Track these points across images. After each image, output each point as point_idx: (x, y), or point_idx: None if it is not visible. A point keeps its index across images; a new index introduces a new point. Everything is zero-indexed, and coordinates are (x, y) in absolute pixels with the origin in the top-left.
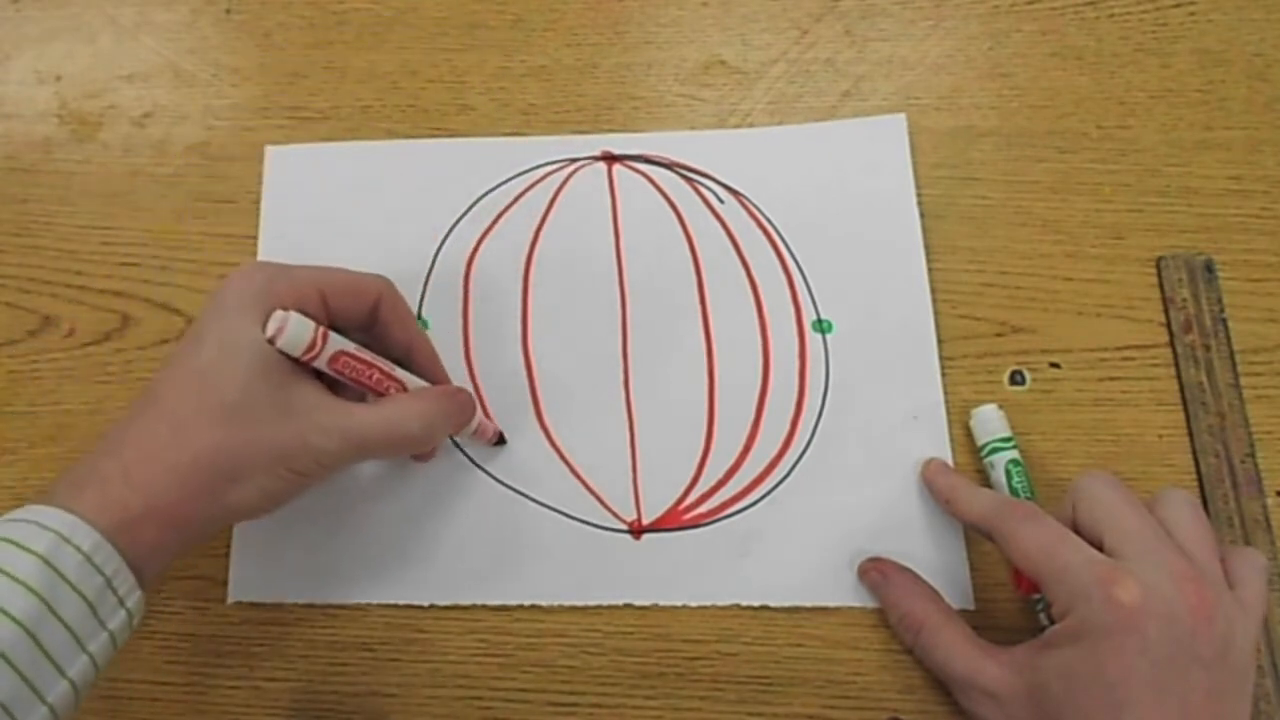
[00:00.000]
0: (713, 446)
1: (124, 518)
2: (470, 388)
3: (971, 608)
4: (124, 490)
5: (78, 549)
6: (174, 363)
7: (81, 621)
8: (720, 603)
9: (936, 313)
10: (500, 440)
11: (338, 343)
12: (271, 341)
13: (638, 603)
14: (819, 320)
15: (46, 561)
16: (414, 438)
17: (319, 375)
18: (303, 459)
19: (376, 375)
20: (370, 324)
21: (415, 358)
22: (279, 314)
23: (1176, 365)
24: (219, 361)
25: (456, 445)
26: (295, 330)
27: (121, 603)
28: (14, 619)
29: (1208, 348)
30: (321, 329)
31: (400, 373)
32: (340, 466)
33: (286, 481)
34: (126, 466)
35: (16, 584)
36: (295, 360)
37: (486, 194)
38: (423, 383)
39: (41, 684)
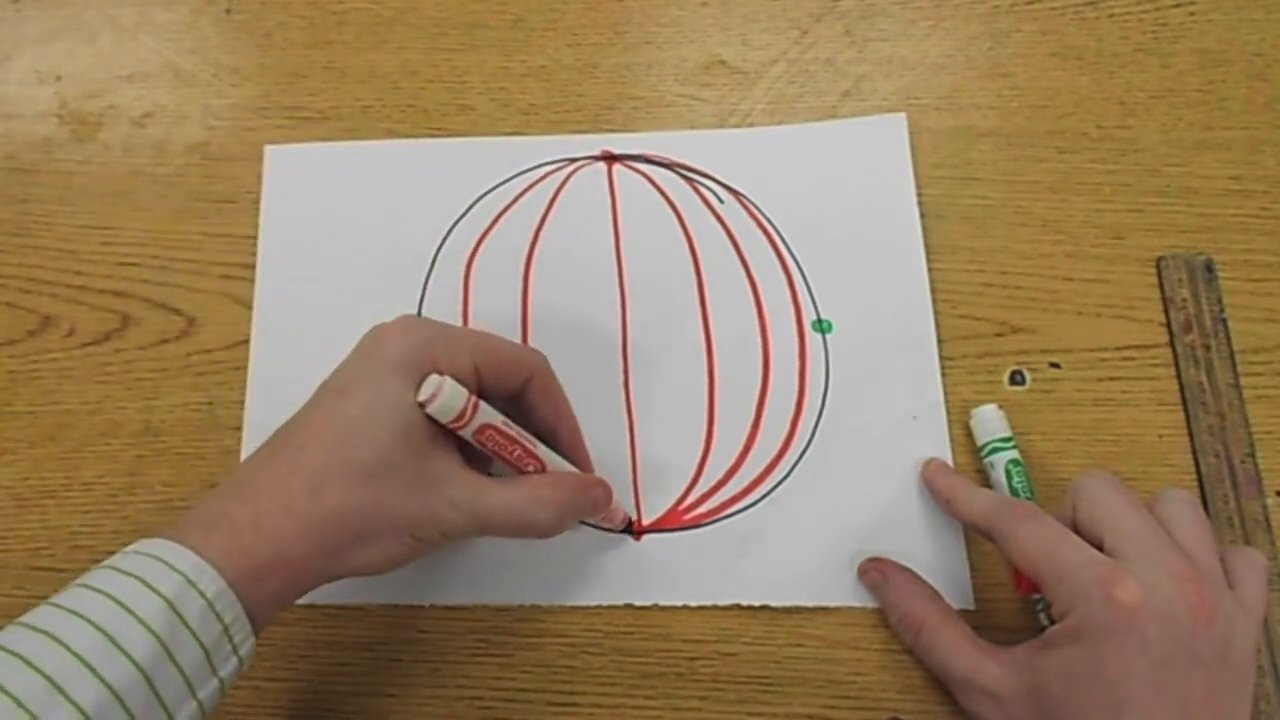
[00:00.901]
0: (713, 446)
1: (251, 567)
2: None
3: (971, 608)
4: (254, 540)
5: (202, 594)
6: (316, 409)
7: (196, 668)
8: (720, 603)
9: (936, 313)
10: (628, 528)
11: (487, 414)
12: (422, 405)
13: (638, 603)
14: (819, 320)
15: (171, 605)
16: (541, 527)
17: (456, 437)
18: (429, 529)
19: (519, 453)
20: (519, 397)
21: (560, 437)
22: (434, 379)
23: (1176, 365)
24: (364, 420)
25: None
26: (449, 398)
27: (235, 650)
28: (135, 661)
29: (1208, 348)
30: (473, 399)
31: (543, 450)
32: (460, 539)
33: (409, 547)
34: (259, 516)
35: (141, 625)
36: (439, 425)
37: (486, 194)
38: (564, 464)
39: None
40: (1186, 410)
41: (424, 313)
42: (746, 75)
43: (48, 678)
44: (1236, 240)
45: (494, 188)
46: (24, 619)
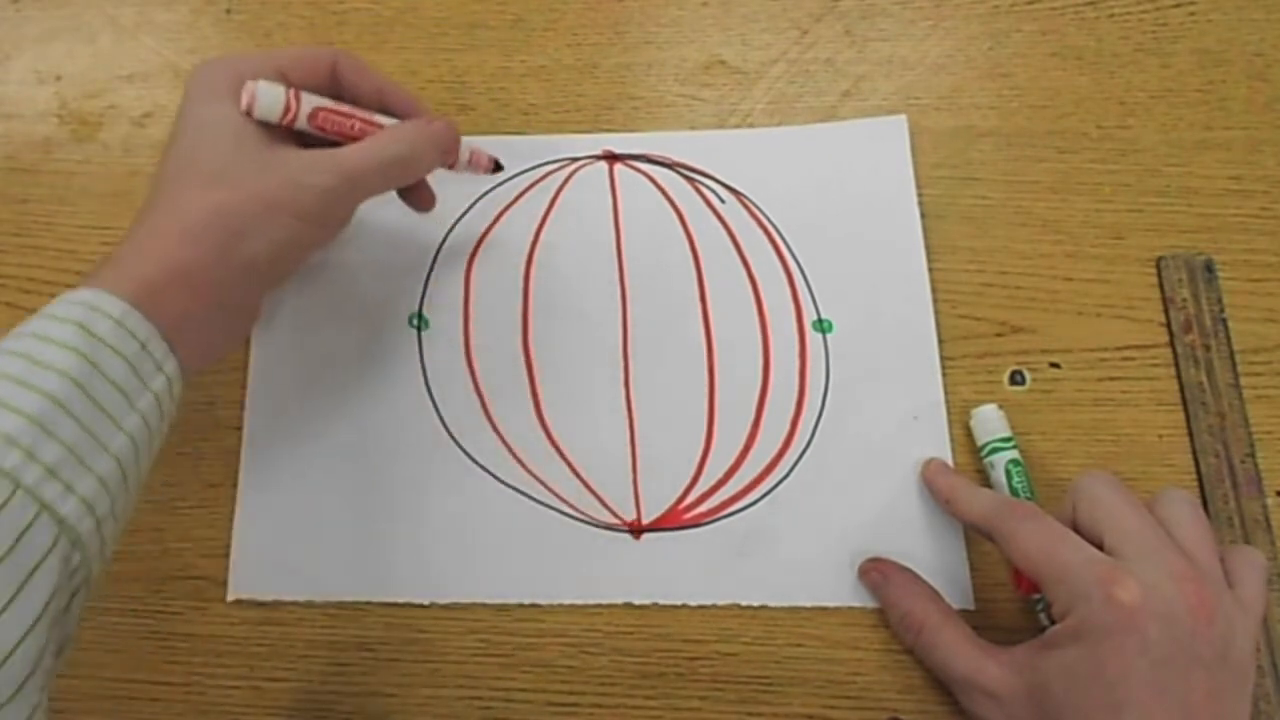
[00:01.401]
0: (713, 446)
1: (145, 286)
2: (471, 387)
3: (971, 608)
4: (140, 263)
5: (108, 315)
6: (161, 160)
7: (126, 380)
8: (720, 603)
9: (936, 313)
10: (497, 167)
11: (313, 100)
12: (248, 112)
13: (638, 602)
14: (819, 320)
15: (83, 327)
16: (400, 158)
17: (296, 140)
18: (300, 200)
19: (358, 124)
20: (335, 90)
21: (390, 103)
22: (249, 84)
23: (1176, 365)
24: (199, 140)
25: (457, 445)
26: (267, 94)
27: (159, 367)
28: (65, 374)
29: (1208, 348)
30: (293, 90)
31: (380, 117)
32: (340, 207)
33: (292, 230)
34: (138, 245)
35: (61, 347)
36: (276, 132)
37: (486, 194)
38: (403, 121)
39: (102, 434)
40: (1186, 410)
41: (425, 313)
42: (746, 75)
43: None
44: (1236, 240)
45: (494, 187)
46: None
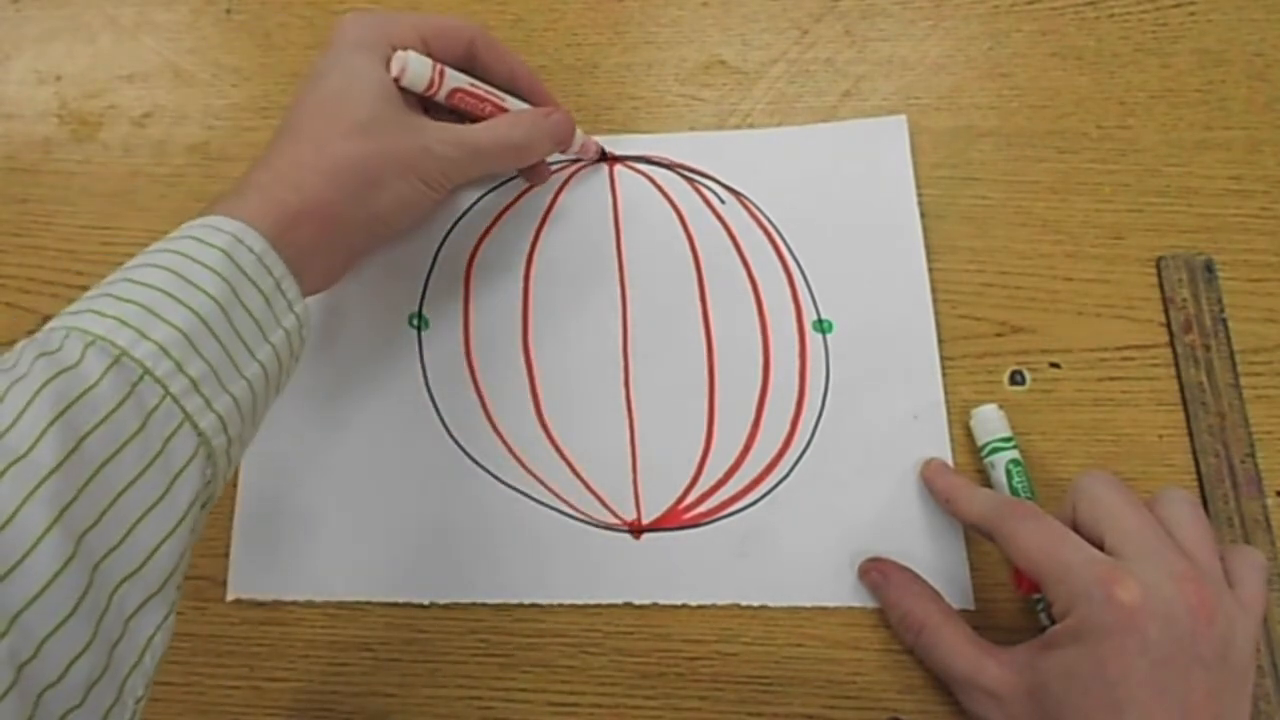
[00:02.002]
0: (713, 446)
1: (285, 215)
2: (471, 387)
3: (971, 608)
4: (283, 190)
5: (250, 249)
6: (303, 97)
7: (262, 312)
8: (720, 603)
9: (936, 313)
10: (603, 156)
11: (455, 79)
12: (396, 80)
13: (638, 602)
14: (819, 320)
15: (227, 254)
16: (518, 143)
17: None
18: (429, 166)
19: (489, 107)
20: (469, 64)
21: (519, 86)
22: (400, 54)
23: (1176, 365)
24: (348, 88)
25: (458, 445)
26: (416, 68)
27: (290, 306)
28: (211, 295)
29: (1208, 348)
30: (439, 66)
31: (509, 100)
32: (460, 176)
33: (417, 191)
34: (280, 175)
35: (208, 270)
36: (413, 98)
37: (486, 194)
38: (528, 107)
39: (239, 358)
40: (1186, 410)
41: (425, 314)
42: (746, 75)
43: (140, 305)
44: (1236, 240)
45: (494, 188)
46: (102, 285)
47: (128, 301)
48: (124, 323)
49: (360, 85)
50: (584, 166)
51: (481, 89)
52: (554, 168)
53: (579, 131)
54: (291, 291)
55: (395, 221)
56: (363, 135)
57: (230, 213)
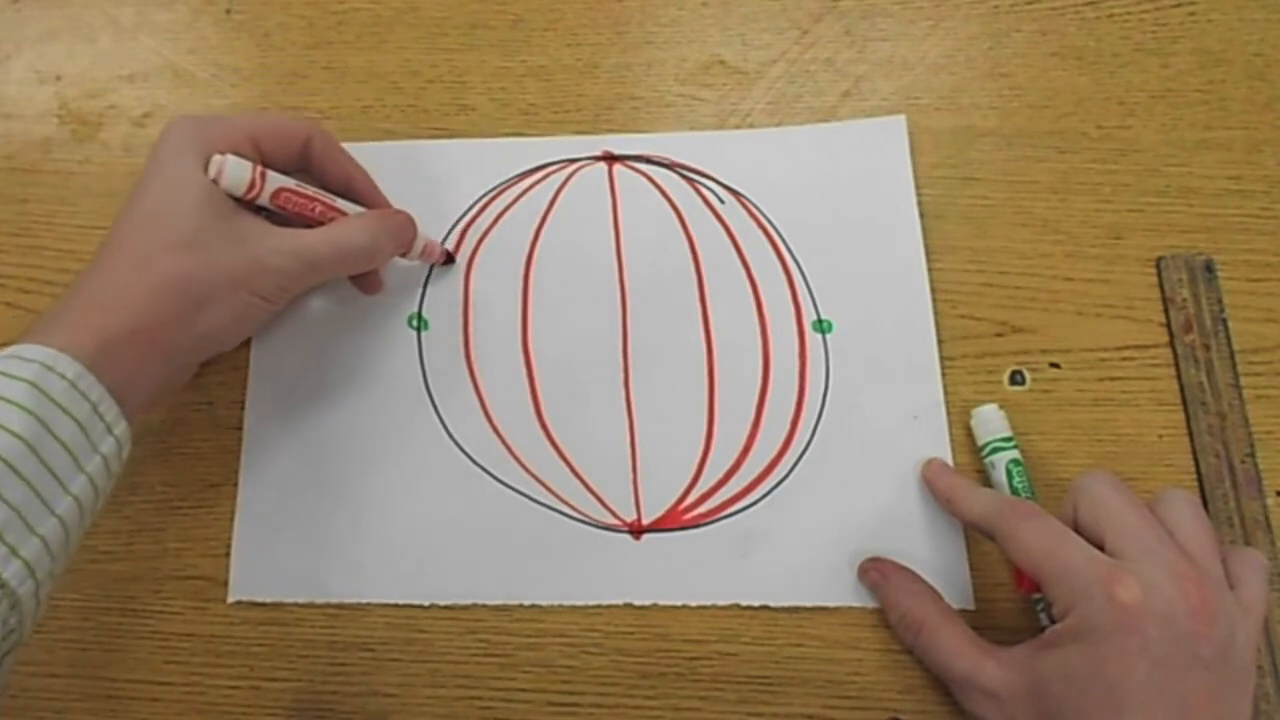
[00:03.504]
0: (713, 446)
1: (103, 341)
2: (470, 387)
3: (971, 608)
4: (101, 317)
5: (62, 376)
6: (123, 215)
7: (76, 442)
8: (720, 603)
9: (936, 313)
10: (449, 259)
11: (277, 180)
12: (215, 183)
13: (638, 603)
14: (819, 320)
15: (35, 386)
16: (360, 249)
17: (264, 213)
18: (261, 280)
19: (319, 207)
20: (304, 165)
21: (355, 189)
22: (217, 158)
23: (1176, 365)
24: (168, 201)
25: (457, 446)
26: (234, 171)
27: (109, 429)
28: (14, 433)
29: (1208, 348)
30: (259, 168)
31: (342, 203)
32: (296, 289)
33: (249, 305)
34: (97, 299)
35: (11, 405)
36: (239, 201)
37: (486, 194)
38: (363, 210)
39: (48, 496)
40: (1186, 410)
41: (424, 315)
42: (746, 75)
43: None
44: (1236, 240)
45: (494, 188)
46: None
47: None
48: None
49: (183, 195)
50: (583, 167)
51: (308, 190)
52: (553, 168)
53: (422, 232)
54: (110, 414)
55: (227, 337)
56: (186, 250)
57: (41, 341)
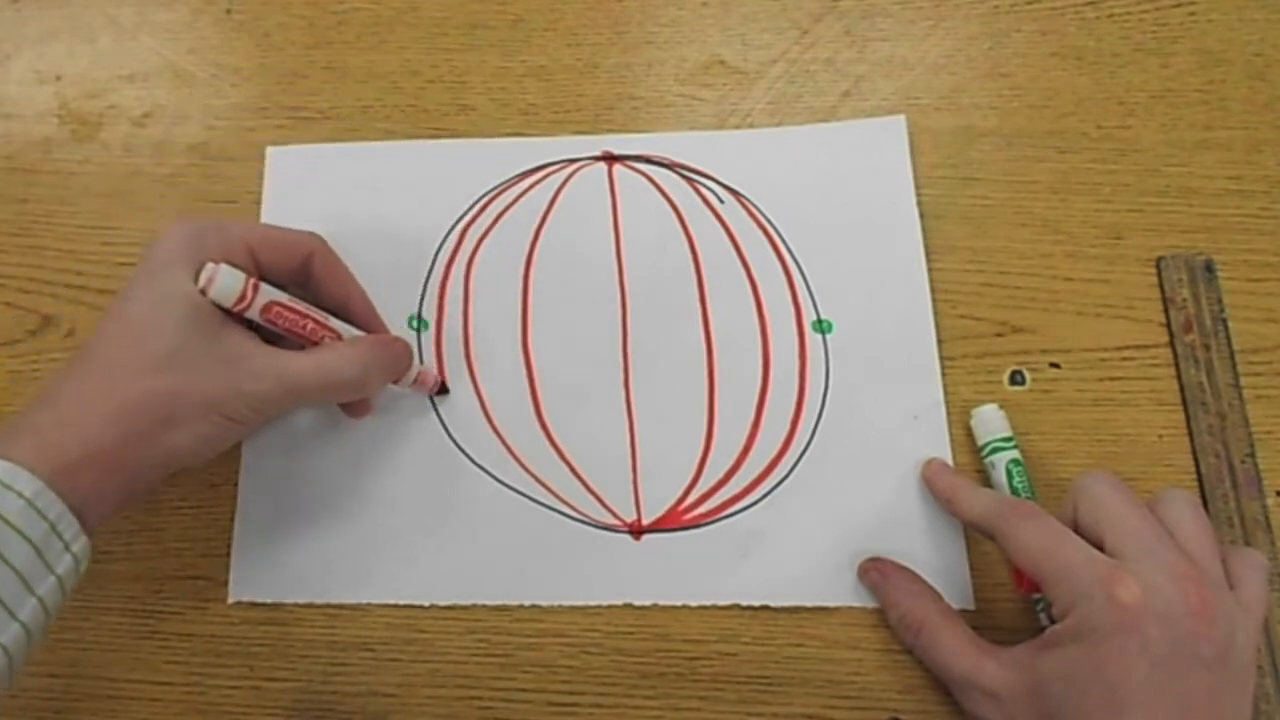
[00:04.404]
0: (713, 446)
1: (63, 462)
2: (470, 388)
3: (971, 608)
4: (61, 435)
5: (19, 494)
6: (106, 319)
7: (28, 566)
8: (720, 603)
9: (936, 313)
10: (443, 389)
11: (269, 293)
12: (203, 293)
13: (638, 603)
14: (819, 320)
15: None
16: (349, 382)
17: (254, 329)
18: (236, 404)
19: (311, 325)
20: (304, 279)
21: (352, 309)
22: (209, 266)
23: (1176, 365)
24: (151, 313)
25: (457, 446)
26: (225, 281)
27: (67, 547)
28: None
29: (1208, 348)
30: (252, 280)
31: (335, 322)
32: (275, 413)
33: (221, 428)
34: (61, 415)
35: None
36: (228, 312)
37: (486, 194)
38: (358, 333)
39: None
40: (1186, 410)
41: (424, 314)
42: (746, 75)
43: None
44: (1236, 240)
45: (494, 188)
46: None
47: None
48: None
49: (166, 309)
50: (583, 167)
51: (301, 306)
52: (553, 168)
53: (416, 361)
54: (69, 531)
55: (193, 459)
56: (161, 370)
57: (3, 453)
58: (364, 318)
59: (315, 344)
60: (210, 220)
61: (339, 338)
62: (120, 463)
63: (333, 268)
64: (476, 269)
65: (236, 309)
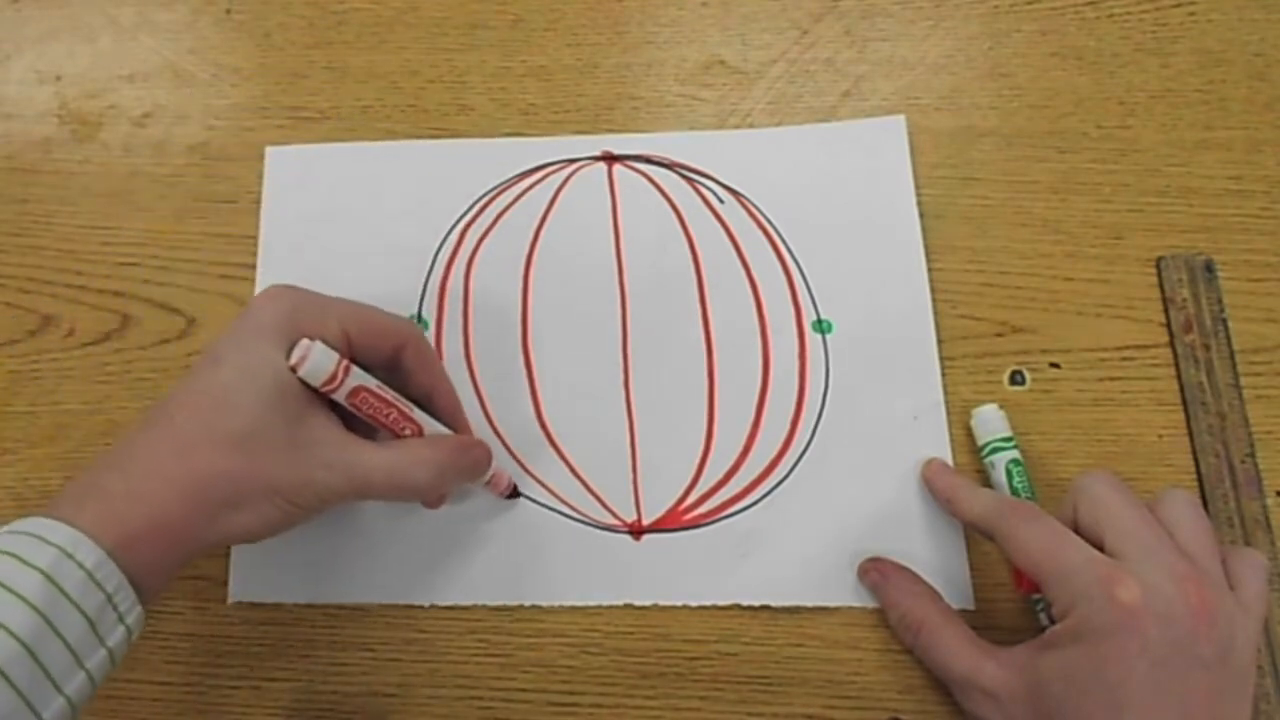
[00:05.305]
0: (713, 446)
1: (126, 534)
2: (470, 387)
3: (971, 608)
4: (128, 507)
5: (80, 565)
6: (189, 381)
7: (81, 639)
8: (720, 603)
9: (936, 313)
10: (514, 493)
11: (358, 377)
12: (293, 369)
13: (638, 603)
14: (819, 320)
15: (49, 578)
16: (420, 487)
17: (334, 406)
18: (305, 493)
19: (395, 415)
20: (391, 367)
21: (437, 403)
22: (304, 343)
23: (1176, 365)
24: (235, 386)
25: None
26: (318, 361)
27: (121, 619)
28: (15, 636)
29: (1208, 348)
30: (344, 362)
31: (419, 415)
32: (342, 504)
33: (285, 513)
34: (130, 484)
35: (19, 600)
36: (313, 390)
37: (486, 194)
38: (441, 428)
39: (38, 702)
40: (1186, 410)
41: (424, 314)
42: (746, 75)
43: None
44: (1236, 240)
45: (494, 188)
46: None
47: None
48: None
49: (249, 385)
50: (582, 167)
51: (388, 394)
52: (553, 168)
53: (494, 463)
54: (125, 603)
55: (251, 538)
56: (235, 451)
57: (69, 517)
58: (448, 413)
59: (395, 434)
60: (310, 294)
61: (420, 431)
62: (182, 538)
63: (425, 359)
64: (476, 269)
65: (323, 389)
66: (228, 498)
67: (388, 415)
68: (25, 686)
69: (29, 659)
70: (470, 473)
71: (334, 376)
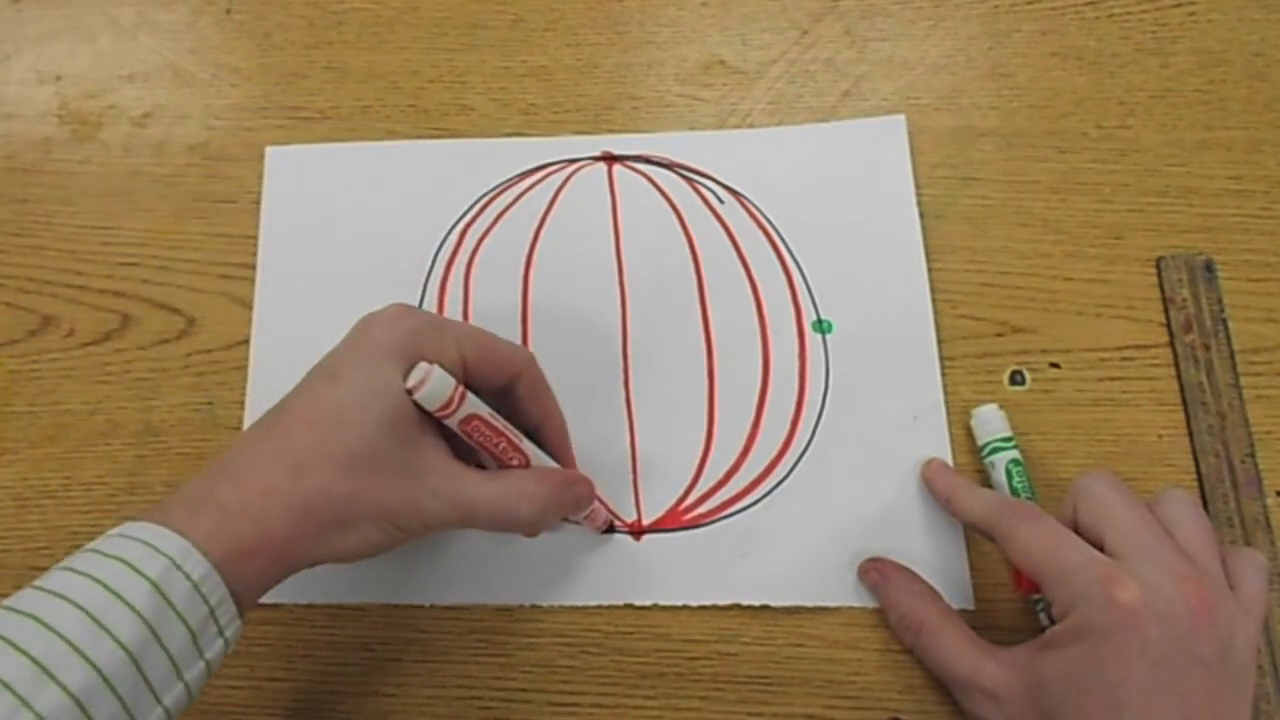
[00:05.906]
0: (713, 447)
1: (236, 548)
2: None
3: (971, 608)
4: (239, 521)
5: (188, 576)
6: (305, 395)
7: (183, 650)
8: (720, 603)
9: (936, 313)
10: (609, 529)
11: (473, 405)
12: (410, 392)
13: (638, 603)
14: (819, 320)
15: (158, 588)
16: (523, 521)
17: (442, 429)
18: (410, 518)
19: (504, 445)
20: (505, 395)
21: (546, 434)
22: (423, 366)
23: (1176, 365)
24: (351, 406)
25: None
26: (436, 386)
27: (220, 632)
28: (122, 645)
29: (1208, 348)
30: (461, 389)
31: (528, 446)
32: (444, 531)
33: (389, 536)
34: (244, 498)
35: (128, 608)
36: (425, 414)
37: (486, 194)
38: (548, 460)
39: (139, 711)
40: (1186, 410)
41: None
42: (746, 75)
43: (35, 661)
44: (1236, 240)
45: (494, 188)
46: (8, 602)
47: (21, 653)
48: (7, 688)
49: (366, 405)
50: (582, 167)
51: (499, 423)
52: (553, 168)
53: (596, 500)
54: (226, 616)
55: (350, 559)
56: (349, 472)
57: (182, 527)
58: (557, 446)
59: (503, 463)
60: (431, 316)
61: (528, 463)
62: (287, 555)
63: (538, 390)
64: (476, 269)
65: (437, 414)
66: (337, 518)
67: (497, 445)
68: (128, 696)
69: (133, 668)
70: (573, 508)
71: (450, 402)
